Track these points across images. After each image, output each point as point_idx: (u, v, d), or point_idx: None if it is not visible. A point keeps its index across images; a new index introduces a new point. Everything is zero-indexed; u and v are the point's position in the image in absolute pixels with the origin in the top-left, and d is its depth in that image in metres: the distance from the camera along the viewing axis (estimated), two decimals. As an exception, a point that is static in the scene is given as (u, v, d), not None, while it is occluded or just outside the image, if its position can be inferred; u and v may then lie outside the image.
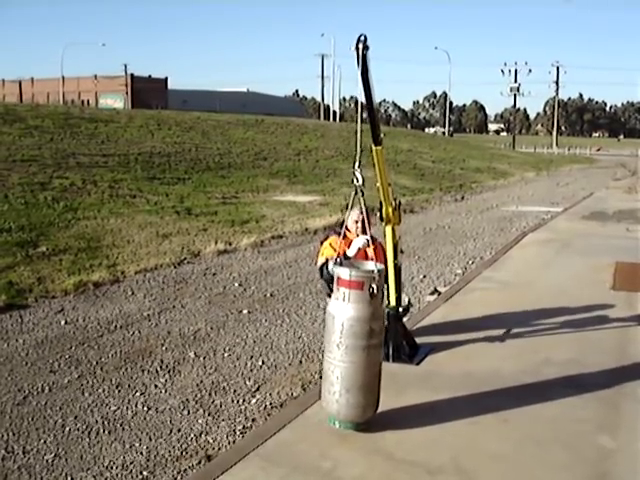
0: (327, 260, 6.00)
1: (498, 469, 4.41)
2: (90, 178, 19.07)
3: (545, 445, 4.70)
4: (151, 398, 6.41)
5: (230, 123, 39.66)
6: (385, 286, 6.27)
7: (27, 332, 8.19)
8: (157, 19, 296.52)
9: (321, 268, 6.07)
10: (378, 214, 6.39)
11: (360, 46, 5.37)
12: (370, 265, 4.90)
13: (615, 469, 4.46)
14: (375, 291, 4.65)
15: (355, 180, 5.16)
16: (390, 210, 6.22)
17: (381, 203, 6.35)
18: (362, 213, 6.20)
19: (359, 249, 5.86)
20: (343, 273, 4.71)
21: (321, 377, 5.15)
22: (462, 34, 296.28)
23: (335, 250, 5.99)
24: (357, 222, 6.16)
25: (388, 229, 6.26)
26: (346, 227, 6.20)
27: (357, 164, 5.18)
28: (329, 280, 5.99)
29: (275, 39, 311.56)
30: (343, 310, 4.66)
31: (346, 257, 5.83)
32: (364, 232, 6.22)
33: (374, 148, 6.05)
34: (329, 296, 6.24)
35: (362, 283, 4.65)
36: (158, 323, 8.64)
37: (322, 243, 6.51)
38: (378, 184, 6.23)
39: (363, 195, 5.15)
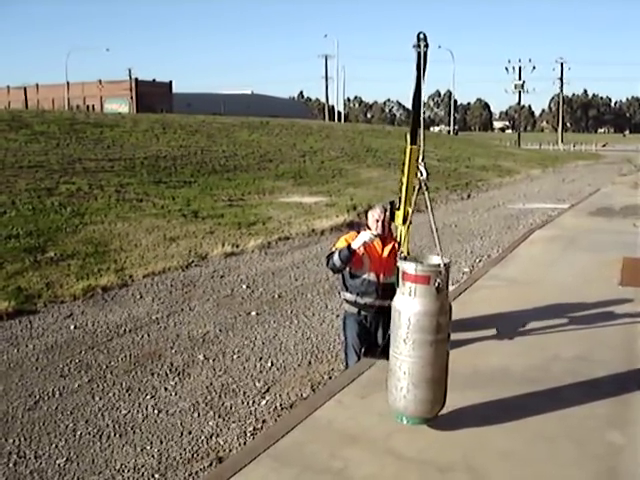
0: (334, 251, 5.99)
1: (508, 466, 4.42)
2: (96, 183, 19.12)
3: (555, 442, 4.71)
4: (161, 401, 6.44)
5: (235, 125, 39.67)
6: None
7: (37, 337, 8.23)
8: (160, 23, 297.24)
9: (328, 257, 6.05)
10: (388, 213, 6.35)
11: (421, 44, 5.33)
12: (436, 259, 4.87)
13: (625, 465, 4.46)
14: (441, 285, 4.65)
15: (419, 174, 5.10)
16: (409, 210, 6.19)
17: (392, 202, 6.29)
18: (386, 211, 6.20)
19: (365, 242, 5.84)
20: (409, 267, 4.67)
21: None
22: (465, 32, 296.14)
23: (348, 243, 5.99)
24: (378, 221, 6.12)
25: (404, 228, 6.20)
26: (366, 225, 6.20)
27: (421, 157, 5.13)
28: (335, 269, 6.05)
29: (278, 41, 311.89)
30: (410, 305, 4.62)
31: (349, 249, 5.83)
32: (383, 231, 6.21)
33: (410, 147, 5.95)
34: (343, 286, 6.26)
35: (428, 277, 4.61)
36: (167, 326, 8.67)
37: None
38: (403, 182, 6.15)
39: (428, 189, 5.09)
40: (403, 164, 6.17)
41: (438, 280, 4.62)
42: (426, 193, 5.03)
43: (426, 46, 5.35)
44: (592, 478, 4.30)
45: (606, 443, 4.74)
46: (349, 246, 5.86)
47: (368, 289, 6.08)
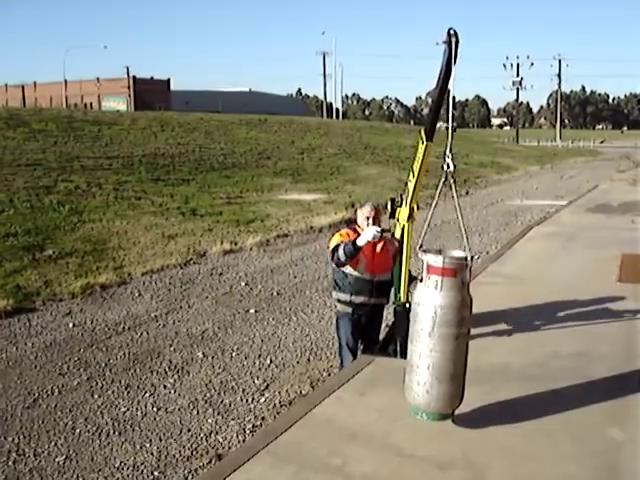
0: (338, 244, 5.94)
1: (508, 462, 4.41)
2: (95, 181, 19.12)
3: (554, 438, 4.71)
4: (160, 399, 6.44)
5: (233, 123, 39.68)
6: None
7: (35, 335, 8.22)
8: (158, 20, 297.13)
9: (333, 251, 6.00)
10: (389, 210, 6.31)
11: (453, 40, 5.29)
12: (458, 252, 4.84)
13: (625, 461, 4.46)
14: (465, 278, 4.63)
15: (446, 166, 5.08)
16: (415, 207, 6.17)
17: (393, 199, 6.27)
18: (376, 209, 6.17)
19: (368, 242, 5.81)
20: (436, 260, 4.60)
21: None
22: (463, 29, 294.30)
23: (348, 236, 5.96)
24: (368, 219, 6.09)
25: (408, 224, 6.17)
26: (356, 223, 6.18)
27: (448, 150, 5.10)
28: (339, 264, 5.97)
29: (277, 38, 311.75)
30: (435, 298, 4.54)
31: (355, 246, 5.80)
32: None
33: (425, 143, 5.88)
34: (336, 286, 6.23)
35: (455, 270, 4.58)
36: (166, 324, 8.67)
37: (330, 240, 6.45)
38: (411, 180, 6.10)
39: (455, 182, 5.07)
40: (412, 161, 6.11)
41: (464, 273, 4.61)
42: (453, 185, 5.00)
43: (457, 42, 5.31)
44: (592, 474, 4.29)
45: (606, 439, 4.74)
46: (354, 242, 5.82)
47: (363, 287, 6.07)
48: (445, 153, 5.03)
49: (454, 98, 5.80)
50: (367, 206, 6.15)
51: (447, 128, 4.98)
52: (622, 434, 4.81)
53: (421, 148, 5.96)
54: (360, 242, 5.80)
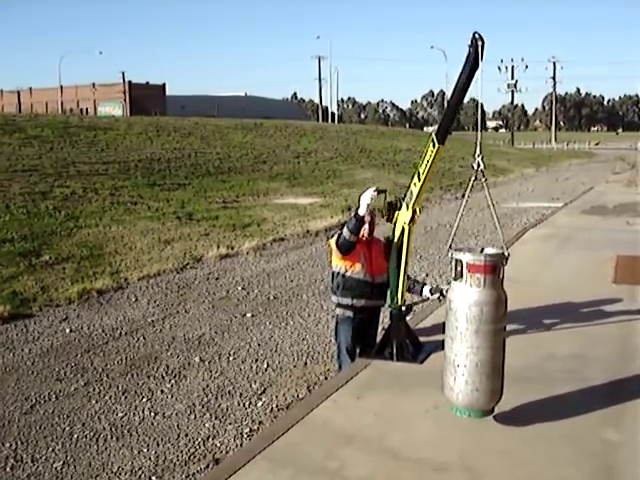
0: (340, 232, 5.97)
1: (505, 465, 4.43)
2: (91, 186, 19.11)
3: (551, 440, 4.72)
4: (158, 403, 6.44)
5: (229, 127, 39.68)
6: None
7: (32, 341, 8.22)
8: (153, 26, 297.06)
9: (337, 238, 6.01)
10: (385, 214, 6.24)
11: (479, 43, 5.29)
12: (490, 250, 4.92)
13: (620, 462, 4.48)
14: (502, 274, 4.70)
15: (476, 165, 5.14)
16: (418, 210, 6.15)
17: (391, 203, 6.21)
18: (372, 212, 6.16)
19: (369, 203, 5.82)
20: (478, 259, 4.66)
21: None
22: (458, 32, 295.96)
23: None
24: (365, 223, 6.11)
25: (408, 227, 6.14)
26: None
27: (478, 149, 5.16)
28: (345, 244, 5.95)
29: (272, 42, 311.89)
30: (480, 296, 4.60)
31: (357, 217, 5.84)
32: (371, 233, 6.20)
33: (437, 146, 5.81)
34: (336, 290, 6.22)
35: (495, 267, 4.65)
36: (162, 329, 8.67)
37: (329, 244, 6.42)
38: (416, 183, 6.02)
39: (486, 180, 5.14)
40: (416, 165, 6.06)
41: (500, 269, 4.68)
42: (485, 184, 5.10)
43: (482, 46, 5.31)
44: (588, 476, 4.31)
45: (602, 440, 4.75)
46: (355, 214, 5.85)
47: (363, 290, 6.10)
48: (474, 152, 5.22)
49: (482, 104, 5.85)
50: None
51: (475, 130, 5.10)
52: (618, 435, 4.83)
53: (432, 151, 5.87)
54: (361, 211, 5.83)
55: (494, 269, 4.64)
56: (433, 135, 5.90)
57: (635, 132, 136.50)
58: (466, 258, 4.65)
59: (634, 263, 10.60)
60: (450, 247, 4.84)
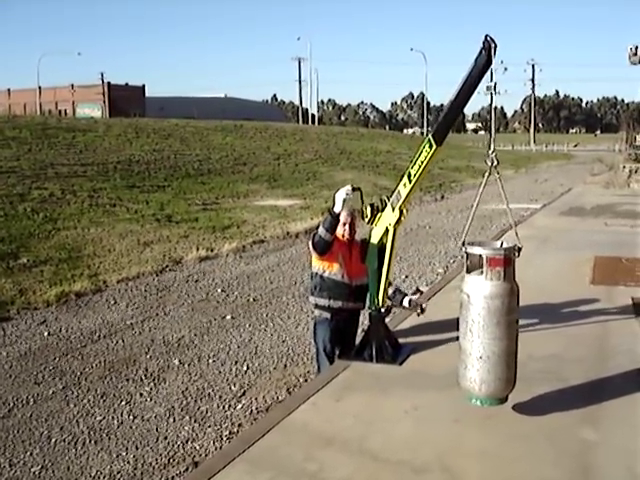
0: (316, 232, 5.97)
1: (483, 466, 4.45)
2: (69, 188, 18.99)
3: (530, 440, 4.74)
4: (137, 407, 6.42)
5: (209, 129, 39.59)
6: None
7: (10, 344, 8.16)
8: (132, 27, 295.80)
9: (312, 237, 6.00)
10: (367, 215, 6.17)
11: (492, 45, 5.30)
12: (498, 242, 5.07)
13: (598, 461, 4.51)
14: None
15: (490, 161, 5.23)
16: (405, 211, 6.11)
17: (373, 205, 6.16)
18: (352, 214, 6.16)
19: (344, 200, 5.82)
20: (497, 253, 4.83)
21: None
22: (437, 34, 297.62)
23: None
24: (345, 224, 6.10)
25: (392, 229, 6.10)
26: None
27: (492, 146, 5.27)
28: (321, 242, 5.93)
29: (251, 44, 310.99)
30: (500, 288, 4.79)
31: (332, 214, 5.84)
32: (352, 235, 6.20)
33: (435, 147, 5.73)
34: (314, 291, 6.21)
35: (512, 260, 4.87)
36: (141, 331, 8.63)
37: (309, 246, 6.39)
38: (406, 184, 5.92)
39: (501, 177, 5.25)
40: (412, 164, 5.95)
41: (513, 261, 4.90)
42: (499, 181, 5.28)
43: (495, 48, 5.32)
44: (567, 476, 4.33)
45: (580, 440, 4.79)
46: (331, 212, 5.85)
47: (341, 292, 6.10)
48: (488, 150, 5.39)
49: (496, 107, 5.92)
50: (344, 211, 6.08)
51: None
52: (596, 434, 4.86)
53: (428, 152, 5.80)
54: (337, 208, 5.83)
55: (510, 262, 4.87)
56: (430, 136, 5.85)
57: (613, 134, 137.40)
58: (486, 252, 4.82)
59: (611, 264, 10.68)
60: (464, 243, 4.98)
